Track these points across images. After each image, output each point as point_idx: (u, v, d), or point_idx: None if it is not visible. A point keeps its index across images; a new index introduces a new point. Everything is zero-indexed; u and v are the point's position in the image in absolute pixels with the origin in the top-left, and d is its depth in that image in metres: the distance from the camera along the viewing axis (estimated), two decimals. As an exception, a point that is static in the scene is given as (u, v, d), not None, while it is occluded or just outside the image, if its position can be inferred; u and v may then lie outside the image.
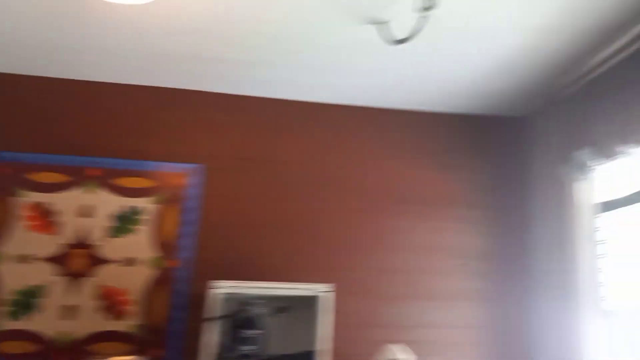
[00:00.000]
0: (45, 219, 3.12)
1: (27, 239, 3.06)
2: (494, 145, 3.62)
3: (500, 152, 3.61)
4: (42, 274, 3.03)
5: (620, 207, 2.81)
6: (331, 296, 3.03)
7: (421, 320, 3.22)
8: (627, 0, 2.33)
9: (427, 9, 2.37)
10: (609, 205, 2.89)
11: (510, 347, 3.25)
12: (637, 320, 2.63)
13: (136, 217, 3.19)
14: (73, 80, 3.30)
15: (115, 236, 3.14)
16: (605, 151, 2.71)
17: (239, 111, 3.44)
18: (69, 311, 3.01)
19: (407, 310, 3.22)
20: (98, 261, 3.10)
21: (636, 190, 2.71)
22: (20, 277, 3.01)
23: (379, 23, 2.57)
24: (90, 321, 2.98)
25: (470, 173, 3.54)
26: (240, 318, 2.74)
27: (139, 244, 3.15)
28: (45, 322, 2.98)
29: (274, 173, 3.36)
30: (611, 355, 2.74)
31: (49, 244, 3.07)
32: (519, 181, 3.55)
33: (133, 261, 3.12)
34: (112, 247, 3.11)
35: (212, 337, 2.70)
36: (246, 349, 2.71)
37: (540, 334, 3.22)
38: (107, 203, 3.18)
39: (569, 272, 2.96)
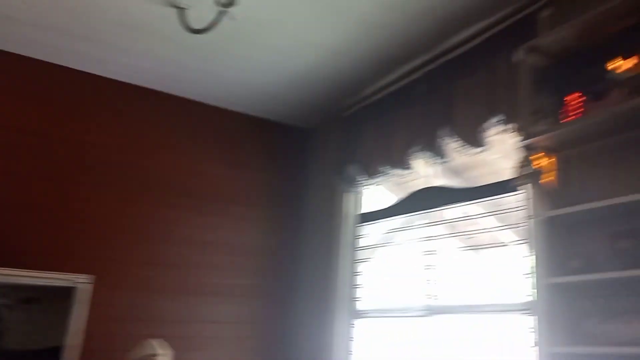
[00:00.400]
0: None
1: None
2: (280, 150, 3.78)
3: (285, 158, 3.79)
4: None
5: (379, 219, 3.19)
6: (89, 288, 2.79)
7: (188, 315, 3.18)
8: (402, 40, 2.68)
9: (225, 5, 2.37)
10: (370, 216, 3.26)
11: (272, 343, 3.42)
12: (384, 320, 3.00)
13: None
14: None
15: None
16: (370, 169, 3.05)
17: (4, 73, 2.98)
18: None
19: (173, 304, 3.14)
20: None
21: (391, 204, 3.11)
22: None
23: (178, 7, 2.49)
24: None
25: (255, 173, 3.63)
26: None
27: None
28: None
29: (39, 150, 2.96)
30: (361, 351, 3.07)
31: None
32: (298, 187, 3.77)
33: None
34: None
35: None
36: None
37: (300, 331, 3.46)
38: None
39: (330, 275, 3.25)
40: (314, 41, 2.73)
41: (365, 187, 3.19)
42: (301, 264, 3.62)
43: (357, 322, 3.12)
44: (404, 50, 2.76)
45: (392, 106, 2.97)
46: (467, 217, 2.63)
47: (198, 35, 2.59)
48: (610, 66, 1.86)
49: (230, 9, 2.39)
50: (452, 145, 2.56)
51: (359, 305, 3.14)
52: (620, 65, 1.84)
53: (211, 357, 3.20)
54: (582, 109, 1.92)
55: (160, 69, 3.12)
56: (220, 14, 2.44)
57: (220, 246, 3.39)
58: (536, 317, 2.04)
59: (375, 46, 2.74)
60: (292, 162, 3.81)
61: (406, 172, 2.85)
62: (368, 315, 3.07)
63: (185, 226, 3.29)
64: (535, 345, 2.04)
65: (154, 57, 2.98)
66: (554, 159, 2.10)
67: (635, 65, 1.81)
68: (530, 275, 2.16)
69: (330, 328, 3.13)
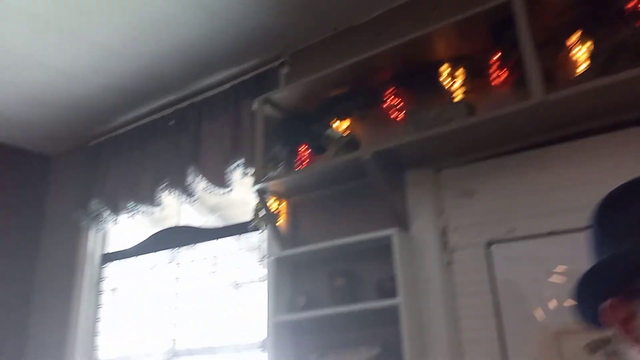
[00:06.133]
0: None
1: None
2: (10, 176, 3.27)
3: (19, 185, 3.29)
4: None
5: (125, 257, 3.00)
6: None
7: None
8: (150, 74, 2.61)
9: None
10: (115, 256, 3.04)
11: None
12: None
13: None
14: None
15: None
16: (115, 204, 2.86)
17: None
18: None
19: None
20: None
21: (137, 243, 2.96)
22: None
23: None
24: None
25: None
26: None
27: None
28: None
29: None
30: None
31: None
32: (34, 219, 3.31)
33: None
34: None
35: None
36: None
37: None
38: None
39: (69, 320, 2.92)
40: (43, 62, 2.48)
41: (111, 223, 2.97)
42: (34, 313, 3.15)
43: (98, 372, 2.86)
44: (153, 85, 2.70)
45: (141, 140, 2.86)
46: (211, 256, 2.66)
47: None
48: (330, 125, 2.11)
49: None
50: (200, 185, 2.58)
51: (100, 355, 2.89)
52: (338, 125, 2.11)
53: None
54: (308, 161, 2.13)
55: None
56: None
57: None
58: (266, 354, 2.15)
59: (120, 77, 2.62)
60: (28, 191, 3.33)
61: (155, 208, 2.75)
62: (110, 363, 2.84)
63: None
64: (265, 383, 2.14)
65: None
66: (284, 204, 2.27)
67: (348, 127, 2.09)
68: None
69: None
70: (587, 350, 1.55)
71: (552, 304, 1.65)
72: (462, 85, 1.79)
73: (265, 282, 2.31)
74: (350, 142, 1.96)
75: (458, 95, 1.78)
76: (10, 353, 3.02)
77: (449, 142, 1.76)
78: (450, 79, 1.81)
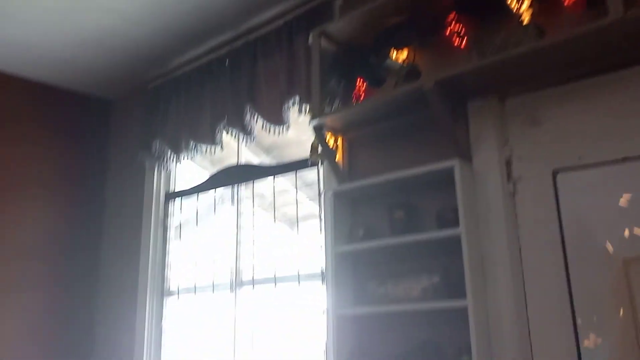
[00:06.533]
0: None
1: None
2: (75, 123, 3.42)
3: (82, 131, 3.44)
4: None
5: (189, 195, 3.13)
6: None
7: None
8: (205, 13, 2.62)
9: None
10: (179, 194, 3.18)
11: (73, 331, 3.17)
12: (196, 297, 2.97)
13: None
14: None
15: None
16: (176, 144, 2.96)
17: None
18: None
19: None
20: None
21: (199, 182, 3.07)
22: None
23: None
24: None
25: (42, 149, 3.24)
26: None
27: None
28: None
29: None
30: (173, 329, 3.01)
31: None
32: (99, 163, 3.47)
33: None
34: None
35: None
36: None
37: (106, 315, 3.25)
38: None
39: (137, 255, 3.11)
40: (104, 5, 2.53)
41: (173, 163, 3.08)
42: (105, 246, 3.37)
43: (169, 301, 3.06)
44: (208, 24, 2.71)
45: (198, 81, 2.91)
46: (274, 191, 2.73)
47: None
48: (388, 56, 2.07)
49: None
50: (258, 123, 2.61)
51: (171, 285, 3.08)
52: (396, 55, 2.06)
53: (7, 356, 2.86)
54: (365, 94, 2.11)
55: None
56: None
57: (6, 229, 3.01)
58: (326, 284, 2.23)
59: (176, 18, 2.64)
60: (91, 136, 3.47)
61: (214, 147, 2.83)
62: (180, 293, 3.02)
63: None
64: (326, 310, 2.24)
65: None
66: (341, 139, 2.28)
67: (407, 57, 2.03)
68: (323, 246, 2.35)
69: (141, 308, 3.02)
70: (657, 278, 1.52)
71: (621, 233, 1.61)
72: (530, 7, 1.69)
73: (324, 218, 2.37)
74: (410, 72, 1.92)
75: (526, 18, 1.69)
76: (83, 290, 3.27)
77: (515, 68, 1.70)
78: (516, 1, 1.72)
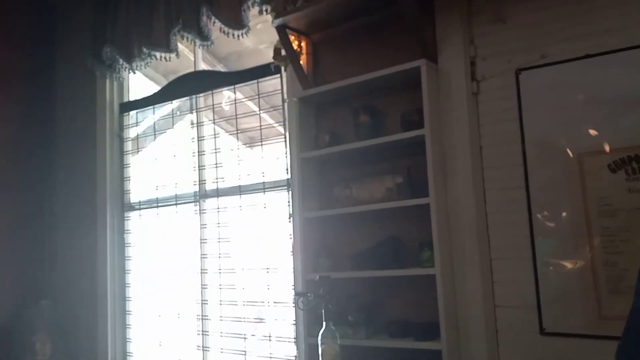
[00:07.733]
0: None
1: None
2: (18, 23, 3.14)
3: (26, 33, 3.18)
4: None
5: (144, 106, 3.00)
6: None
7: None
8: None
9: None
10: (134, 105, 3.04)
11: (30, 247, 3.11)
12: (159, 210, 2.93)
13: None
14: None
15: None
16: (129, 51, 2.78)
17: None
18: None
19: None
20: None
21: (155, 92, 2.95)
22: None
23: None
24: None
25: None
26: None
27: None
28: None
29: None
30: (137, 243, 3.00)
31: None
32: (48, 69, 3.22)
33: None
34: None
35: None
36: None
37: (64, 230, 3.17)
38: None
39: (94, 169, 3.01)
40: None
41: (126, 71, 2.91)
42: (56, 157, 3.21)
43: (132, 215, 3.02)
44: None
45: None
46: (231, 102, 2.65)
47: None
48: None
49: None
50: (215, 26, 2.48)
51: (132, 198, 3.03)
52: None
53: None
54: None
55: None
56: None
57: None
58: (292, 190, 2.25)
59: None
60: (37, 41, 3.21)
61: (169, 55, 2.68)
62: (142, 207, 2.98)
63: None
64: (290, 216, 2.28)
65: None
66: (305, 42, 2.21)
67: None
68: (287, 154, 2.34)
69: (102, 223, 2.97)
70: (609, 169, 1.61)
71: (578, 130, 1.67)
72: None
73: (287, 126, 2.34)
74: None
75: None
76: (39, 203, 3.15)
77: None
78: None
